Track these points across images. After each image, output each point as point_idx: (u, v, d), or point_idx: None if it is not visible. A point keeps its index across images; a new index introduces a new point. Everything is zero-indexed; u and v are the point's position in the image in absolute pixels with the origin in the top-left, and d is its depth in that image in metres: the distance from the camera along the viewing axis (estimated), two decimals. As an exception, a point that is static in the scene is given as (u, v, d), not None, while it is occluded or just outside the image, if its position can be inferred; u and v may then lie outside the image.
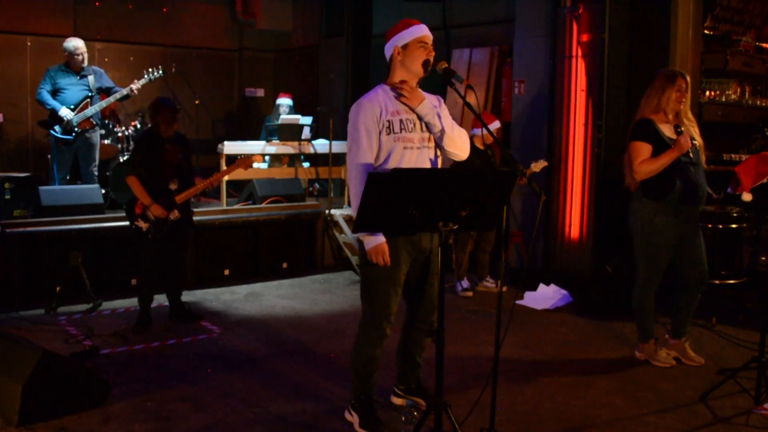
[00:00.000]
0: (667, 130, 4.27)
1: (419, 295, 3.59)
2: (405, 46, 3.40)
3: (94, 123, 6.99)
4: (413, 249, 3.45)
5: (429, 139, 3.44)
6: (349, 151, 3.38)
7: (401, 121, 3.37)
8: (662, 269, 4.40)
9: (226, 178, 7.75)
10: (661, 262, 4.38)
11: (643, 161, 4.24)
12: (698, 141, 4.31)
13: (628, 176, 4.39)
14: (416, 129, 3.40)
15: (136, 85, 6.95)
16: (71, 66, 6.85)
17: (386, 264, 3.31)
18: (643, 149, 4.25)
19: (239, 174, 7.82)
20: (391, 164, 3.34)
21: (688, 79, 4.31)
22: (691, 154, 4.22)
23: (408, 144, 3.37)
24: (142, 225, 5.04)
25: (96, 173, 7.08)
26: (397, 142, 3.35)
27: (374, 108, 3.34)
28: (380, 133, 3.34)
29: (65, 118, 6.72)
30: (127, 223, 5.14)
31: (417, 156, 3.39)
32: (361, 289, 3.54)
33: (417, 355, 3.74)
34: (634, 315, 4.54)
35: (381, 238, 3.29)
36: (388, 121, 3.34)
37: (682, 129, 4.18)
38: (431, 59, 3.40)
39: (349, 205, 8.20)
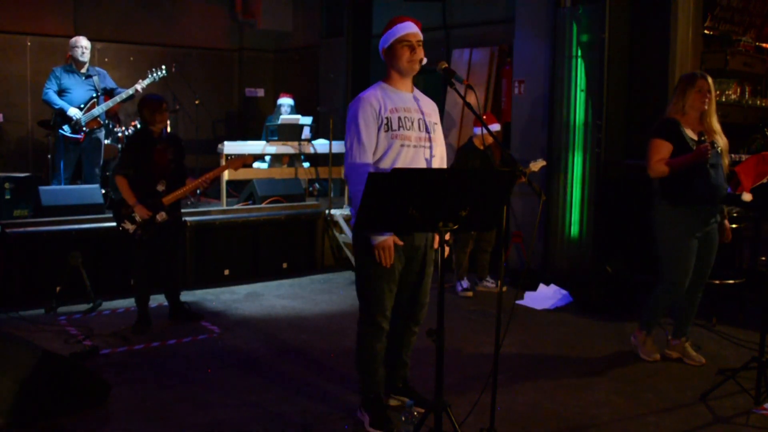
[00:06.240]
0: (691, 133, 4.23)
1: (411, 293, 3.58)
2: (390, 47, 3.40)
3: (101, 123, 7.01)
4: (407, 247, 3.45)
5: (426, 138, 3.45)
6: (349, 148, 3.37)
7: (399, 118, 3.37)
8: (690, 271, 4.30)
9: (226, 177, 7.76)
10: (689, 264, 4.28)
11: (660, 160, 4.20)
12: (722, 142, 4.23)
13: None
14: (414, 127, 3.40)
15: (141, 85, 6.96)
16: (73, 62, 6.85)
17: (388, 262, 3.31)
18: (662, 147, 4.21)
19: (239, 174, 7.84)
20: (387, 161, 3.35)
21: (710, 80, 4.24)
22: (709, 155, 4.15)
23: (405, 142, 3.37)
24: (129, 227, 4.98)
25: (99, 174, 7.09)
26: (395, 139, 3.35)
27: (373, 104, 3.35)
28: (379, 129, 3.34)
29: (74, 118, 6.73)
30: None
31: (413, 154, 3.40)
32: (356, 285, 3.55)
33: (404, 354, 3.74)
34: (645, 309, 4.50)
35: (389, 234, 3.30)
36: (387, 118, 3.35)
37: (705, 138, 4.12)
38: (418, 57, 3.37)
39: (349, 204, 8.20)
